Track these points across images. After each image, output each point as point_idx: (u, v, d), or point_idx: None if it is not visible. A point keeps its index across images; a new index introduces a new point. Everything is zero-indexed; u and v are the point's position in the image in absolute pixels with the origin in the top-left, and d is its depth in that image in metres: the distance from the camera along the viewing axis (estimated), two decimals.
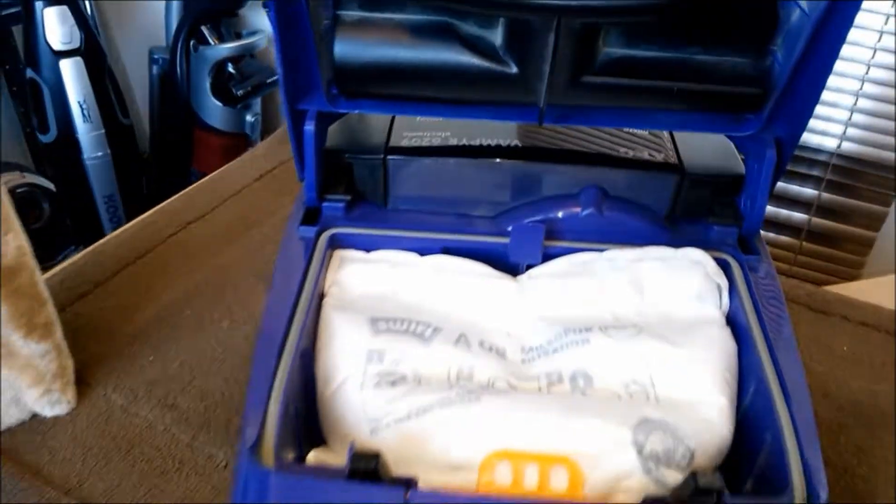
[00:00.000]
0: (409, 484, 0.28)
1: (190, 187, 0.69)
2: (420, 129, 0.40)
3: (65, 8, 1.04)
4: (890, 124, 1.03)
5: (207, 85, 1.19)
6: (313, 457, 0.32)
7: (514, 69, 0.32)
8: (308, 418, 0.34)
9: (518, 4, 0.27)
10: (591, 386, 0.34)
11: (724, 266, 0.38)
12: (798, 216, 1.13)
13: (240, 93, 1.22)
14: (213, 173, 0.71)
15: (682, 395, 0.33)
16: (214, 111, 1.22)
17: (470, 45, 0.32)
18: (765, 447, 0.32)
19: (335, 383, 0.33)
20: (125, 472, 0.44)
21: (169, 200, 0.66)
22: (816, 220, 1.12)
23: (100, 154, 1.14)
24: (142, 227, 0.62)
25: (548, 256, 0.38)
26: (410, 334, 0.35)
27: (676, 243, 0.38)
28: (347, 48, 0.31)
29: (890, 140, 1.04)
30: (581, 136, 0.40)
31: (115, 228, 1.25)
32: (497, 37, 0.32)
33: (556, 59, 0.31)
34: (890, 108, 1.02)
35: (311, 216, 0.39)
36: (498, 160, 0.38)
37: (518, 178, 0.39)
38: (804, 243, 1.14)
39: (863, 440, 0.48)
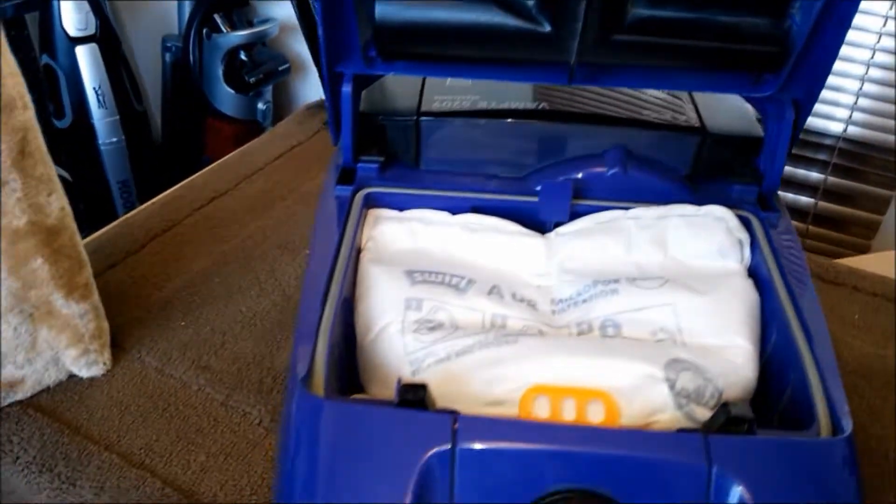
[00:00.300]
0: (454, 413, 0.30)
1: (213, 164, 0.70)
2: (450, 93, 0.42)
3: None
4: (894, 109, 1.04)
5: (220, 72, 1.21)
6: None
7: (548, 27, 0.33)
8: (347, 367, 0.36)
9: None
10: (620, 334, 0.35)
11: (745, 222, 0.39)
12: (804, 200, 1.15)
13: (252, 80, 1.23)
14: (235, 151, 0.72)
15: (708, 341, 0.35)
16: (227, 98, 1.23)
17: (505, 5, 0.33)
18: (789, 385, 0.33)
19: (376, 329, 0.35)
20: (162, 428, 0.45)
21: (194, 176, 0.68)
22: (823, 204, 1.14)
23: (114, 140, 1.16)
24: (169, 200, 0.64)
25: (575, 214, 0.40)
26: (446, 285, 0.36)
27: (698, 202, 0.40)
28: (388, 9, 0.33)
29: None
30: (605, 99, 0.42)
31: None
32: None
33: (588, 17, 0.32)
34: (893, 93, 1.03)
35: (347, 176, 0.40)
36: (526, 121, 0.40)
37: (545, 139, 0.40)
38: (810, 227, 1.15)
39: (875, 402, 0.50)
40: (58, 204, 0.41)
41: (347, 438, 0.27)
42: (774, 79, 0.37)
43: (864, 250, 1.12)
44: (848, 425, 0.29)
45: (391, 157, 0.41)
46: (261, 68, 1.24)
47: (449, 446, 0.27)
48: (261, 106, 1.30)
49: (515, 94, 0.42)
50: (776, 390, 0.34)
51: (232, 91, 1.25)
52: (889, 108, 1.05)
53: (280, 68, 1.27)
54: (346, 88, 0.37)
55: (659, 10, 0.34)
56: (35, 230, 0.40)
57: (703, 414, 0.32)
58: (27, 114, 0.38)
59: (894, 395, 0.50)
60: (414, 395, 0.28)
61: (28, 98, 0.39)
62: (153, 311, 0.53)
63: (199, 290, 0.55)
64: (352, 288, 0.37)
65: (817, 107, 1.07)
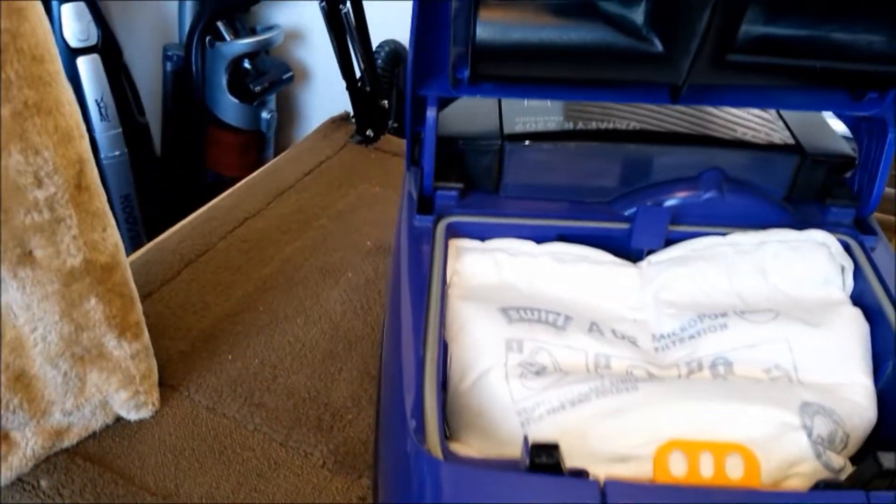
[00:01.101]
0: (580, 476, 0.27)
1: (240, 183, 0.67)
2: (531, 113, 0.39)
3: (81, 4, 1.02)
4: None
5: (224, 82, 1.17)
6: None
7: (659, 47, 0.31)
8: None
9: None
10: (732, 372, 0.33)
11: (844, 247, 0.38)
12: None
13: (257, 89, 1.20)
14: (261, 169, 0.70)
15: (825, 379, 0.33)
16: (230, 108, 1.20)
17: (614, 24, 0.31)
18: None
19: (473, 374, 0.32)
20: (221, 474, 0.42)
21: (220, 197, 0.65)
22: None
23: (117, 153, 1.12)
24: (199, 224, 0.61)
25: (667, 242, 0.38)
26: (544, 323, 0.34)
27: (796, 225, 0.38)
28: (491, 30, 0.31)
29: None
30: (695, 116, 0.40)
31: (130, 229, 1.22)
32: (639, 14, 0.31)
33: (706, 37, 0.30)
34: None
35: (426, 205, 0.38)
36: (616, 143, 0.38)
37: (635, 162, 0.38)
38: None
39: None
40: (112, 239, 0.38)
41: None
42: (880, 97, 0.35)
43: None
44: None
45: (469, 182, 0.39)
46: (265, 77, 1.21)
47: None
48: (265, 115, 1.27)
49: (601, 113, 0.39)
50: (892, 432, 0.32)
51: (236, 101, 1.21)
52: None
53: (284, 77, 1.23)
54: (431, 113, 0.35)
55: (774, 26, 0.32)
56: (90, 268, 0.37)
57: (837, 460, 0.30)
58: (83, 144, 0.35)
59: None
60: (549, 458, 0.26)
61: (83, 127, 0.36)
62: (197, 344, 0.50)
63: (243, 318, 0.53)
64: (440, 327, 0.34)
65: None
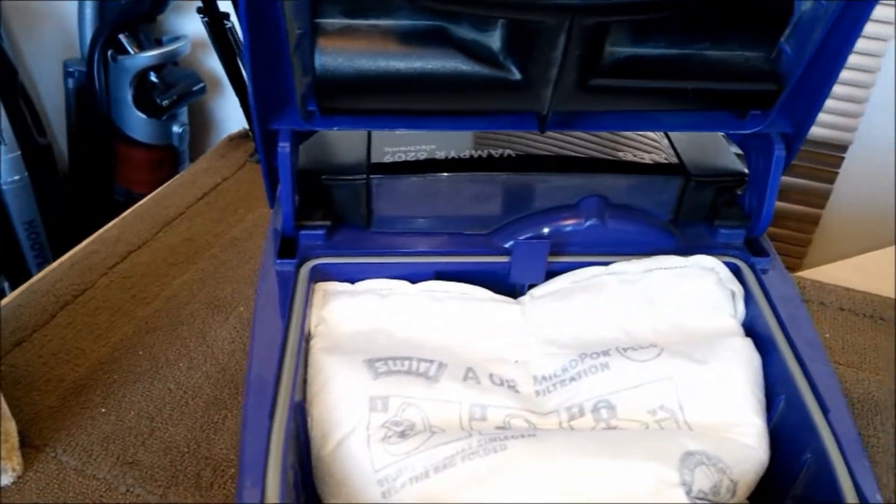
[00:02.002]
0: None
1: (127, 211, 0.63)
2: (401, 143, 0.37)
3: None
4: (832, 103, 1.05)
5: (129, 96, 1.12)
6: None
7: (517, 75, 0.29)
8: (303, 479, 0.30)
9: (531, 5, 0.24)
10: (616, 416, 0.31)
11: (734, 271, 0.36)
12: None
13: (164, 103, 1.15)
14: (152, 194, 0.65)
15: (714, 419, 0.31)
16: (138, 124, 1.15)
17: (467, 52, 0.28)
18: (806, 467, 0.30)
19: (335, 439, 0.29)
20: None
21: (106, 227, 0.60)
22: None
23: (17, 178, 1.06)
24: (79, 259, 0.56)
25: (549, 273, 0.35)
26: (414, 374, 0.31)
27: (683, 250, 0.36)
28: (330, 59, 0.28)
29: (830, 118, 1.06)
30: (574, 140, 0.38)
31: (38, 256, 1.16)
32: (495, 41, 0.28)
33: (565, 62, 0.28)
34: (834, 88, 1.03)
35: (289, 247, 0.35)
36: (491, 173, 0.35)
37: (513, 191, 0.36)
38: None
39: (861, 425, 0.47)
40: None
41: None
42: (763, 114, 0.34)
43: (804, 245, 1.12)
44: None
45: (337, 219, 0.36)
46: (173, 90, 1.16)
47: None
48: (176, 129, 1.22)
49: (475, 141, 0.37)
50: (788, 467, 0.31)
51: (143, 116, 1.16)
52: (828, 102, 1.05)
53: (194, 88, 1.19)
54: (284, 147, 0.32)
55: (641, 47, 0.29)
56: None
57: None
58: None
59: (881, 420, 0.48)
60: None
61: None
62: (69, 397, 0.46)
63: (120, 365, 0.49)
64: (303, 386, 0.31)
65: None
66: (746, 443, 0.30)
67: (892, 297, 0.58)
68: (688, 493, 0.27)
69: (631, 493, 0.27)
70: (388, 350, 0.32)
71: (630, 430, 0.30)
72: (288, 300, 0.32)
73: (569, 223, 0.35)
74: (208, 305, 0.53)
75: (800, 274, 0.63)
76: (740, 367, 0.32)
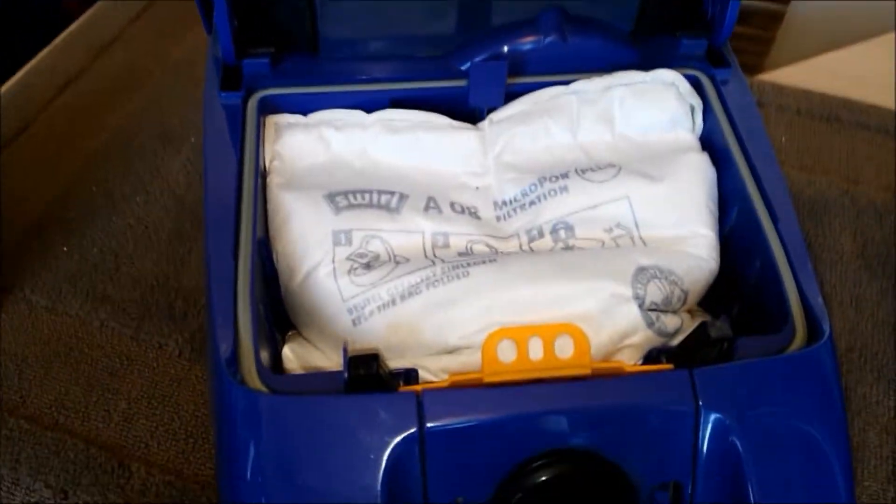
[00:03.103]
0: (409, 376, 0.26)
1: (57, 38, 0.58)
2: None
3: None
4: None
5: None
6: (290, 353, 0.30)
7: None
8: (273, 307, 0.31)
9: None
10: (574, 236, 0.32)
11: (694, 83, 0.35)
12: None
13: None
14: (81, 18, 0.60)
15: (667, 233, 0.32)
16: None
17: None
18: (753, 274, 0.31)
19: (301, 273, 0.30)
20: (70, 378, 0.40)
21: (38, 58, 0.57)
22: None
23: None
24: (16, 94, 0.53)
25: (509, 96, 0.34)
26: (375, 207, 0.31)
27: (646, 62, 0.35)
28: None
29: None
30: None
31: None
32: None
33: None
34: None
35: (232, 78, 0.33)
36: None
37: (467, 5, 0.34)
38: None
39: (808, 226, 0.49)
40: None
41: (297, 436, 0.24)
42: None
43: (767, 43, 1.10)
44: (826, 326, 0.27)
45: (283, 45, 0.34)
46: None
47: (416, 429, 0.23)
48: None
49: None
50: (738, 273, 0.32)
51: None
52: None
53: None
54: None
55: None
56: None
57: (672, 322, 0.29)
58: None
59: (829, 218, 0.50)
60: (367, 370, 0.24)
61: None
62: (28, 238, 0.46)
63: (75, 202, 0.48)
64: (265, 222, 0.31)
65: None
66: (698, 254, 0.31)
67: (851, 97, 0.58)
68: (640, 306, 0.28)
69: (587, 309, 0.28)
70: (348, 183, 0.32)
71: (586, 249, 0.31)
72: (238, 136, 0.31)
73: (528, 40, 0.34)
74: (158, 136, 0.52)
75: (760, 77, 0.63)
76: (695, 182, 0.32)
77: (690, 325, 0.30)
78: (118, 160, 0.50)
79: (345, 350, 0.25)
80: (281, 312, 0.32)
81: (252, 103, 0.32)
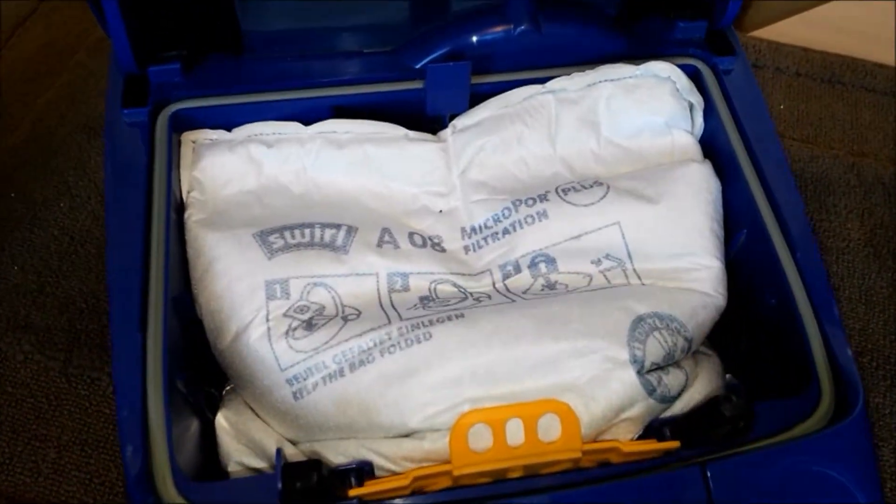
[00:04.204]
0: (361, 473, 0.22)
1: None
2: None
3: None
4: None
5: None
6: (225, 422, 0.25)
7: None
8: (207, 356, 0.26)
9: None
10: (556, 270, 0.27)
11: (693, 74, 0.30)
12: None
13: None
14: None
15: (666, 264, 0.27)
16: None
17: None
18: (767, 310, 0.27)
19: (230, 334, 0.25)
20: None
21: None
22: None
23: None
24: None
25: (475, 98, 0.29)
26: (318, 246, 0.26)
27: (635, 52, 0.30)
28: None
29: None
30: None
31: None
32: None
33: None
34: None
35: (135, 90, 0.27)
36: None
37: None
38: None
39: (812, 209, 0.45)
40: None
41: None
42: None
43: None
44: (859, 389, 0.23)
45: (197, 46, 0.28)
46: None
47: None
48: None
49: None
50: (747, 308, 0.28)
51: None
52: None
53: None
54: None
55: None
56: None
57: (676, 382, 0.25)
58: None
59: (833, 198, 0.45)
60: (305, 482, 0.20)
61: None
62: None
63: None
64: (181, 271, 0.26)
65: None
66: (702, 290, 0.26)
67: (851, 55, 0.53)
68: (639, 371, 0.23)
69: (574, 380, 0.23)
70: (284, 217, 0.27)
71: (571, 294, 0.26)
72: (145, 162, 0.26)
73: (495, 30, 0.28)
74: (83, 128, 0.46)
75: (755, 34, 0.57)
76: (695, 201, 0.27)
77: (695, 376, 0.25)
78: (38, 159, 0.44)
79: (278, 455, 0.20)
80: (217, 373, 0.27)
81: (162, 120, 0.27)
